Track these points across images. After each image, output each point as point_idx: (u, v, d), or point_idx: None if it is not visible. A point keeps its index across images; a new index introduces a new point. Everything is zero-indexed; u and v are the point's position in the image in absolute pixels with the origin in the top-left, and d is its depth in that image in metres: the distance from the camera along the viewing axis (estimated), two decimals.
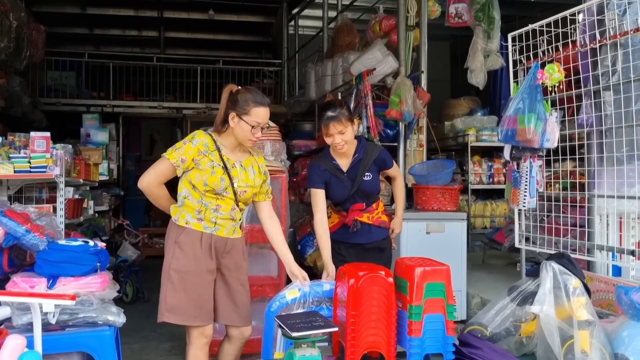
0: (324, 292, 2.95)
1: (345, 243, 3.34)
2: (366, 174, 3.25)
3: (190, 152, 2.72)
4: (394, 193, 3.65)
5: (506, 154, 3.92)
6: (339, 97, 5.94)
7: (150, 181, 2.77)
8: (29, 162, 3.79)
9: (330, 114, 3.11)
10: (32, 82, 9.38)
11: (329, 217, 3.36)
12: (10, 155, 3.80)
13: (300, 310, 2.84)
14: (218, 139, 2.80)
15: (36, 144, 3.84)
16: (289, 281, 3.04)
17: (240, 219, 2.88)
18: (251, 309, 2.99)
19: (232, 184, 2.75)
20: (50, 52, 9.45)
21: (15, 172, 3.74)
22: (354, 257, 3.34)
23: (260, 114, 2.74)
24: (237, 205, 2.83)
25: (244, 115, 2.73)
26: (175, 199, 2.85)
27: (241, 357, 3.05)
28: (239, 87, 2.82)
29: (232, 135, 2.79)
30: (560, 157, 3.81)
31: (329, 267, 3.10)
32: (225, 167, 2.74)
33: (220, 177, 2.72)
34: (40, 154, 3.82)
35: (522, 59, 3.92)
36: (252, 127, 2.73)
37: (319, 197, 3.24)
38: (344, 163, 3.27)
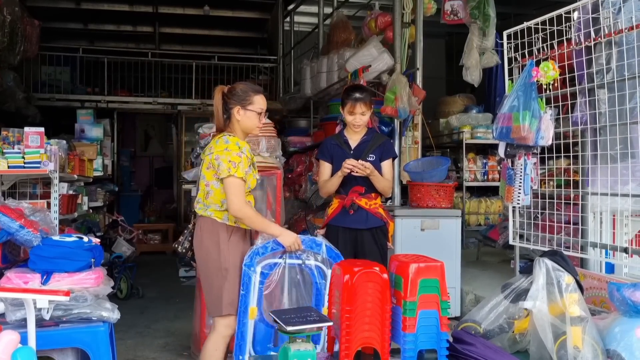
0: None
1: (342, 228, 3.47)
2: (370, 154, 3.48)
3: (247, 161, 2.85)
4: None
5: (501, 151, 3.93)
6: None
7: (242, 203, 2.80)
8: (23, 158, 3.77)
9: (358, 95, 3.45)
10: (26, 77, 9.33)
11: (329, 206, 3.61)
12: (4, 151, 3.78)
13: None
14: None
15: (30, 140, 3.82)
16: None
17: None
18: None
19: (257, 178, 2.98)
20: (45, 47, 9.38)
21: (9, 167, 3.72)
22: (349, 241, 3.44)
23: (261, 100, 2.94)
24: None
25: (249, 105, 2.90)
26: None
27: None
28: (228, 86, 2.97)
29: (238, 129, 2.93)
30: (554, 155, 3.83)
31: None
32: (254, 165, 2.94)
33: (254, 176, 2.92)
34: (34, 149, 3.81)
35: (517, 56, 3.93)
36: (258, 114, 2.92)
37: (324, 169, 3.57)
38: (353, 141, 3.55)
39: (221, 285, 2.85)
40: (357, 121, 3.46)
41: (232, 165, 2.78)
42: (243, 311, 2.88)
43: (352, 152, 3.51)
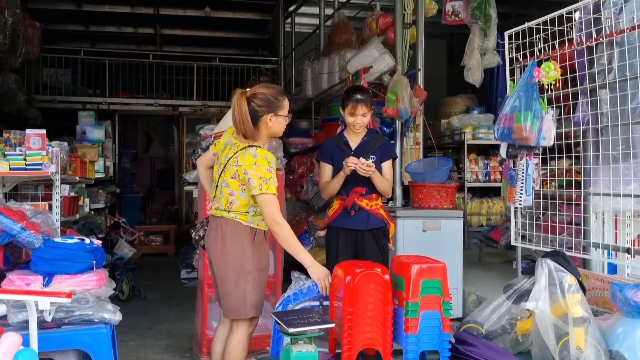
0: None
1: (343, 229, 3.46)
2: (371, 155, 3.47)
3: (275, 175, 2.81)
4: None
5: (502, 152, 3.92)
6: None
7: (278, 218, 2.79)
8: (25, 160, 3.78)
9: (359, 96, 3.44)
10: (27, 79, 9.35)
11: (329, 207, 3.61)
12: (6, 153, 3.79)
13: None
14: (267, 148, 2.92)
15: (32, 142, 3.83)
16: (285, 279, 3.07)
17: None
18: None
19: None
20: (46, 49, 9.40)
21: (10, 169, 3.73)
22: (350, 243, 3.44)
23: (287, 102, 2.92)
24: None
25: (280, 111, 2.86)
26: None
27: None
28: (248, 89, 2.88)
29: (265, 135, 2.90)
30: (556, 155, 3.82)
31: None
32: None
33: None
34: (36, 151, 3.81)
35: (519, 57, 3.93)
36: (285, 117, 2.90)
37: (325, 171, 3.56)
38: (353, 142, 3.54)
39: (245, 288, 2.82)
40: (358, 122, 3.46)
41: (264, 182, 2.73)
42: (274, 356, 2.93)
43: (352, 153, 3.50)
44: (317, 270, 2.88)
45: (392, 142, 5.61)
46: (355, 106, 3.44)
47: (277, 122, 2.88)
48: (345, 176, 3.39)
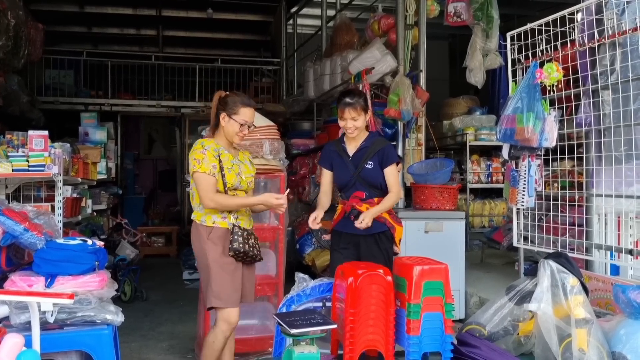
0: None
1: (344, 233, 3.41)
2: (368, 161, 3.37)
3: (212, 157, 2.94)
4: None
5: (505, 153, 3.93)
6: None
7: (210, 195, 2.91)
8: (27, 161, 3.78)
9: (348, 100, 3.35)
10: (30, 80, 9.36)
11: (334, 211, 3.54)
12: (9, 154, 3.80)
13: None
14: (216, 140, 3.06)
15: (34, 143, 3.83)
16: (287, 280, 3.07)
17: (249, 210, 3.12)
18: (250, 307, 3.04)
19: (241, 177, 3.02)
20: (49, 51, 9.41)
21: (13, 170, 3.73)
22: (352, 246, 3.37)
23: (247, 113, 3.04)
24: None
25: (234, 115, 3.02)
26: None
27: (243, 356, 3.05)
28: (228, 92, 3.12)
29: (222, 134, 3.07)
30: (558, 156, 3.82)
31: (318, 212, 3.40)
32: (234, 164, 3.03)
33: (235, 174, 2.99)
34: (39, 152, 3.82)
35: (521, 58, 3.93)
36: (240, 125, 3.02)
37: (324, 176, 3.55)
38: (352, 148, 3.45)
39: (207, 280, 2.94)
40: (348, 127, 3.34)
41: (197, 162, 2.90)
42: (277, 357, 2.98)
43: (350, 159, 3.40)
44: (269, 202, 2.98)
45: (394, 143, 5.62)
46: (342, 110, 3.34)
47: (228, 124, 3.02)
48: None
